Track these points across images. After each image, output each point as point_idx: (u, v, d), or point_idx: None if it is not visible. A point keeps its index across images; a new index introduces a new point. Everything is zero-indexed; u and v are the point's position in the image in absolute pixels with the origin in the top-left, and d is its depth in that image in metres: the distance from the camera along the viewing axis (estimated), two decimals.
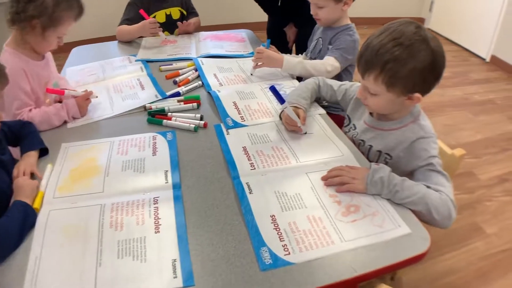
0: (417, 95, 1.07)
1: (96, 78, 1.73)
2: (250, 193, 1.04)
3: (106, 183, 1.09)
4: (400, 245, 0.90)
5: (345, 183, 1.05)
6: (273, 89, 1.21)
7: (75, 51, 2.10)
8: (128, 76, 1.73)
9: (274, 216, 0.97)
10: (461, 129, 2.96)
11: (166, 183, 1.09)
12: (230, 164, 1.15)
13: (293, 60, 1.64)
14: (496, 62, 4.02)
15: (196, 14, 2.36)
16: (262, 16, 2.54)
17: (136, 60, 1.88)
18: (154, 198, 1.03)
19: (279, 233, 0.92)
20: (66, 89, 1.48)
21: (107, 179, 1.11)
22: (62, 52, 2.05)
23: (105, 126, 1.39)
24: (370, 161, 1.18)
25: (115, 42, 2.17)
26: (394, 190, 1.01)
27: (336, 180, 1.07)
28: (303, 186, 1.06)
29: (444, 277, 1.79)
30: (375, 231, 0.93)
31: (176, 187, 1.07)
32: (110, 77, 1.74)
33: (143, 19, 2.11)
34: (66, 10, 1.34)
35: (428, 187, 1.03)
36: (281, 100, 1.23)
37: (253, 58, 1.69)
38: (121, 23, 2.15)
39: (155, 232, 0.93)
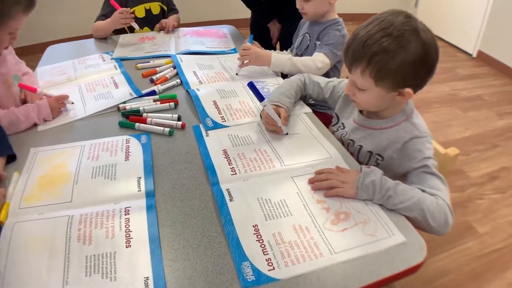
0: (408, 90, 0.99)
1: (68, 78, 1.63)
2: (230, 200, 0.95)
3: (75, 192, 1.00)
4: (394, 256, 0.82)
5: (334, 187, 0.97)
6: (251, 86, 1.12)
7: (50, 49, 1.99)
8: (102, 75, 1.63)
9: (257, 226, 0.88)
10: (449, 125, 2.92)
11: (138, 191, 0.99)
12: (209, 169, 1.06)
13: (282, 58, 1.56)
14: (483, 58, 4.00)
15: (176, 11, 2.26)
16: (245, 13, 2.46)
17: (112, 58, 1.78)
18: (125, 208, 0.94)
19: (263, 246, 0.83)
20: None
21: (76, 187, 1.01)
22: (41, 52, 1.95)
23: (76, 128, 1.29)
24: (360, 163, 1.10)
25: (92, 39, 2.06)
26: (387, 195, 0.93)
27: (324, 184, 0.99)
28: (289, 192, 0.98)
29: (437, 279, 1.74)
30: (367, 241, 0.85)
31: (149, 195, 0.98)
32: (82, 76, 1.64)
33: None
34: (12, 5, 1.22)
35: (423, 190, 0.96)
36: (260, 97, 1.14)
37: (239, 56, 1.59)
38: (97, 20, 2.04)
39: (126, 247, 0.84)
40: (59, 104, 1.34)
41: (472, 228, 2.01)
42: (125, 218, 0.91)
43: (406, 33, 0.94)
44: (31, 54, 1.43)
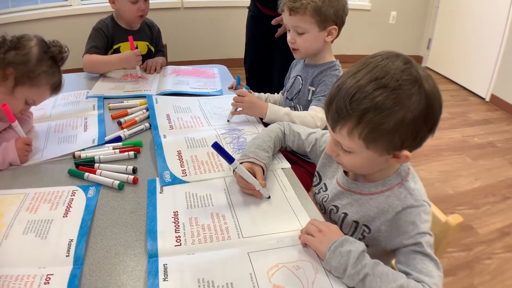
0: (406, 152, 0.83)
1: (43, 115, 1.50)
2: (164, 280, 0.77)
3: (2, 248, 0.87)
4: None
5: (308, 233, 0.85)
6: (216, 146, 0.95)
7: None
8: (76, 115, 1.50)
9: None
10: (459, 175, 2.73)
11: (66, 256, 0.85)
12: (150, 235, 0.89)
13: (278, 111, 1.39)
14: (496, 102, 3.84)
15: (163, 54, 2.13)
16: (239, 52, 2.34)
17: (88, 97, 1.64)
18: (47, 275, 0.79)
19: None
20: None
21: (5, 242, 0.88)
22: None
23: (26, 173, 1.15)
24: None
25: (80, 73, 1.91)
26: (363, 272, 0.76)
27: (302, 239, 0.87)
28: (239, 273, 0.80)
29: None
30: None
31: (77, 263, 0.83)
32: (57, 114, 1.51)
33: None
34: (46, 73, 1.21)
35: (409, 274, 0.79)
36: (228, 158, 0.97)
37: (232, 102, 1.43)
38: (88, 51, 1.87)
39: None
40: (28, 147, 1.21)
41: None
42: None
43: (406, 84, 0.77)
44: None
